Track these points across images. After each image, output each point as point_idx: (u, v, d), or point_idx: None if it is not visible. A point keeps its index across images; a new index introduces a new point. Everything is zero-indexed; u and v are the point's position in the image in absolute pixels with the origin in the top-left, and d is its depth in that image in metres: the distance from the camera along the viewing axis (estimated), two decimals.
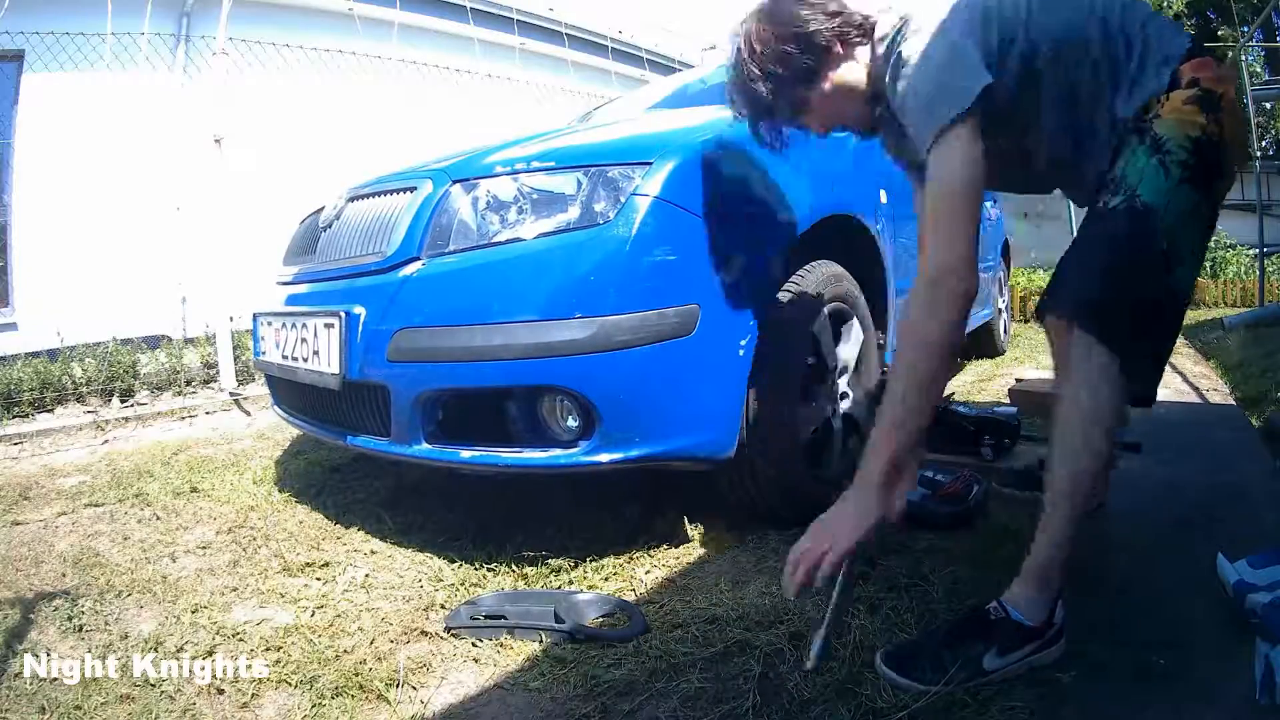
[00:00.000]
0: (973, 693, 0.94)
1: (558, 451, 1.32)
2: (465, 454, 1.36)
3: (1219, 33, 9.72)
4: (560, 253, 1.30)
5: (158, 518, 1.84)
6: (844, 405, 1.76)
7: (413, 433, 1.39)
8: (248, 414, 3.30)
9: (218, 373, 3.57)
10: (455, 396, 1.37)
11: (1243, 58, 7.19)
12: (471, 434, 1.38)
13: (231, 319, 3.56)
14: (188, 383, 3.57)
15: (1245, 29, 7.57)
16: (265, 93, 4.84)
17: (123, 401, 3.36)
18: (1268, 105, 9.19)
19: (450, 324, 1.33)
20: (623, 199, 1.31)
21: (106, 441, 2.88)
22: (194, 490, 2.05)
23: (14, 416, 3.08)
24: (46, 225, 4.43)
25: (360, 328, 1.41)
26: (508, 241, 1.34)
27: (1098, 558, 1.35)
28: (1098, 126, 1.04)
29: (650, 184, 1.32)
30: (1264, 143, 9.90)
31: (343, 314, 1.44)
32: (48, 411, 3.18)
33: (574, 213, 1.33)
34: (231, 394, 3.44)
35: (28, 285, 4.50)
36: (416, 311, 1.37)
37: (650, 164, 1.34)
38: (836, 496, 1.04)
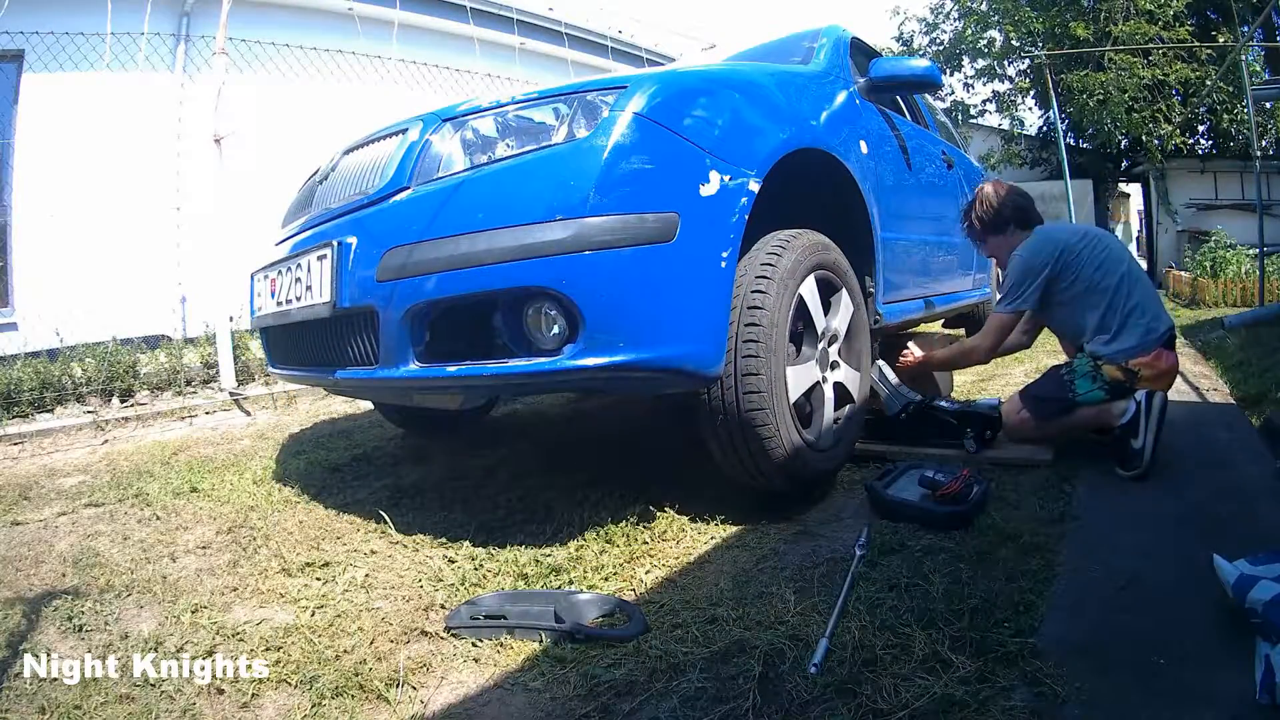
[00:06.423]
0: (973, 693, 0.94)
1: (542, 359, 1.33)
2: (451, 368, 1.38)
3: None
4: (542, 164, 1.37)
5: (158, 518, 1.84)
6: (835, 374, 1.78)
7: (401, 353, 1.40)
8: (248, 414, 3.30)
9: (218, 373, 3.57)
10: (443, 310, 1.38)
11: (1242, 58, 7.18)
12: (458, 352, 1.40)
13: (231, 319, 3.56)
14: (188, 383, 3.57)
15: (1245, 29, 7.57)
16: (265, 92, 4.84)
17: (123, 401, 3.36)
18: (1267, 105, 9.17)
19: (437, 237, 1.36)
20: (601, 116, 1.38)
21: (106, 441, 2.88)
22: (194, 490, 2.05)
23: (14, 416, 3.07)
24: (46, 225, 4.43)
25: (351, 254, 1.47)
26: (493, 161, 1.41)
27: (1097, 557, 1.35)
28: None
29: (628, 103, 1.39)
30: (1264, 143, 9.87)
31: (335, 244, 1.51)
32: (48, 411, 3.17)
33: (556, 137, 1.40)
34: (231, 394, 3.44)
35: (28, 285, 4.50)
36: (405, 231, 1.41)
37: (626, 88, 1.42)
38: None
